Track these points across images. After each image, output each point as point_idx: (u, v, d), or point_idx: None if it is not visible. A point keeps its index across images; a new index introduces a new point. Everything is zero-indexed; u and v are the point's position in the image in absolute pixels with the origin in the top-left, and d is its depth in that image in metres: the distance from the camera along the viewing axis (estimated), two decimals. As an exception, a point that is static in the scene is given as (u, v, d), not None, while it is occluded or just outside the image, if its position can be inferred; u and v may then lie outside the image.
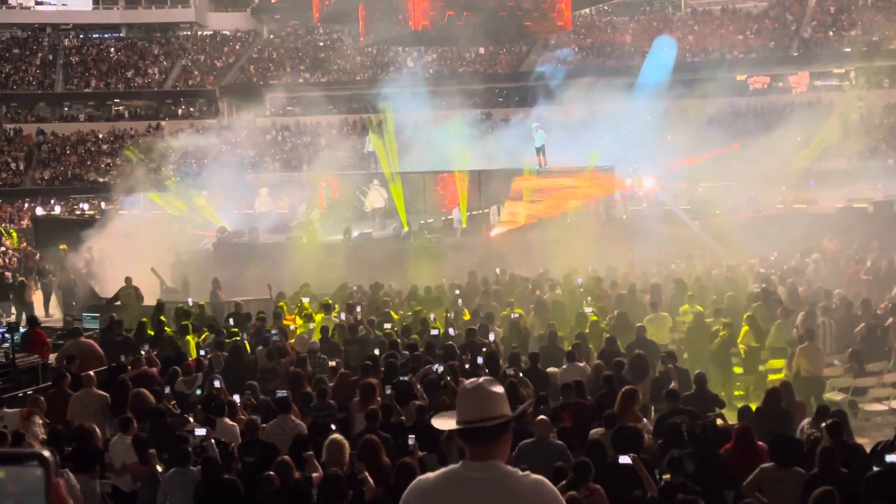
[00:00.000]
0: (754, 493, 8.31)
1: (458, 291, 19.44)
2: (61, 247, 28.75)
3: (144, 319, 16.76)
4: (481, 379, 3.61)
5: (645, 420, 10.81)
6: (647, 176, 30.14)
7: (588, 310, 16.80)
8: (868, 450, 9.38)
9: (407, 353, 13.43)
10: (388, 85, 38.31)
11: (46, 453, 0.98)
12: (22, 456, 0.97)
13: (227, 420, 10.31)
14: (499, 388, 3.55)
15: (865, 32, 45.43)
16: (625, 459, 8.28)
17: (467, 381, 3.66)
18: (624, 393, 10.43)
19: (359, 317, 16.35)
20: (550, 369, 13.19)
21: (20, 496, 0.96)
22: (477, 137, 35.89)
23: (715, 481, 8.67)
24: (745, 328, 15.55)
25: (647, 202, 29.06)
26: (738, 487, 8.68)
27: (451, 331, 15.09)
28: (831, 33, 47.57)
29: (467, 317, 17.09)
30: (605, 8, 53.21)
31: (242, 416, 10.52)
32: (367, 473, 8.20)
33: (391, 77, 46.11)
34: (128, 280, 20.90)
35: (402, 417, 10.61)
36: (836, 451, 8.31)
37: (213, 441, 9.25)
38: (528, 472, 3.47)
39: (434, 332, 15.19)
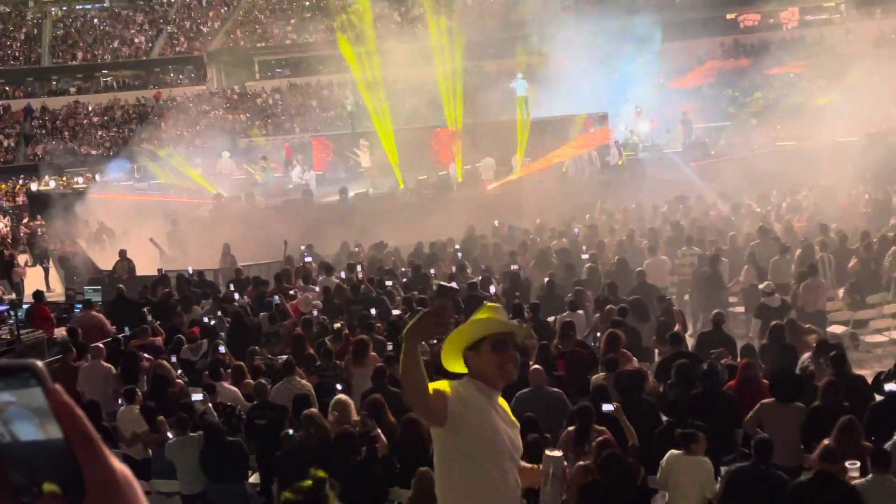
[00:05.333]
0: (754, 429, 8.41)
1: (457, 246, 19.44)
2: (38, 221, 28.80)
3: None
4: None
5: (645, 363, 10.92)
6: (642, 121, 30.01)
7: (585, 257, 16.86)
8: (870, 381, 9.48)
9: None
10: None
11: (37, 362, 0.99)
12: (11, 369, 0.97)
13: (226, 384, 10.41)
14: None
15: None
16: (608, 408, 8.31)
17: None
18: (608, 336, 10.51)
19: (360, 276, 16.36)
20: (551, 318, 13.27)
21: (25, 411, 0.98)
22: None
23: (723, 421, 8.75)
24: (745, 266, 15.62)
25: (643, 147, 28.96)
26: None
27: (454, 285, 15.07)
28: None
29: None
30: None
31: (249, 381, 10.61)
32: (379, 430, 8.31)
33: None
34: (122, 253, 20.83)
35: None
36: (839, 385, 8.38)
37: (210, 406, 9.33)
38: None
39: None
